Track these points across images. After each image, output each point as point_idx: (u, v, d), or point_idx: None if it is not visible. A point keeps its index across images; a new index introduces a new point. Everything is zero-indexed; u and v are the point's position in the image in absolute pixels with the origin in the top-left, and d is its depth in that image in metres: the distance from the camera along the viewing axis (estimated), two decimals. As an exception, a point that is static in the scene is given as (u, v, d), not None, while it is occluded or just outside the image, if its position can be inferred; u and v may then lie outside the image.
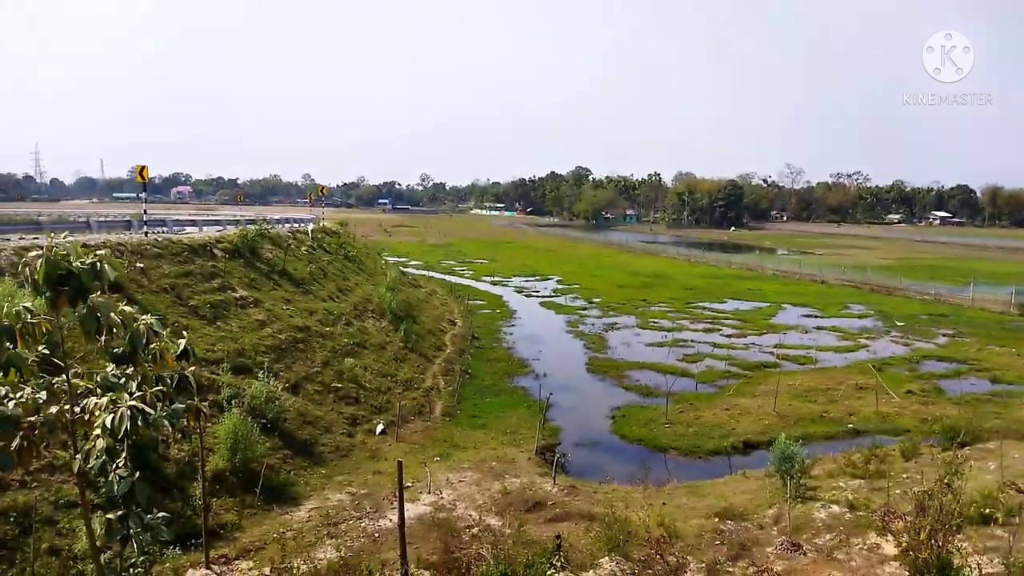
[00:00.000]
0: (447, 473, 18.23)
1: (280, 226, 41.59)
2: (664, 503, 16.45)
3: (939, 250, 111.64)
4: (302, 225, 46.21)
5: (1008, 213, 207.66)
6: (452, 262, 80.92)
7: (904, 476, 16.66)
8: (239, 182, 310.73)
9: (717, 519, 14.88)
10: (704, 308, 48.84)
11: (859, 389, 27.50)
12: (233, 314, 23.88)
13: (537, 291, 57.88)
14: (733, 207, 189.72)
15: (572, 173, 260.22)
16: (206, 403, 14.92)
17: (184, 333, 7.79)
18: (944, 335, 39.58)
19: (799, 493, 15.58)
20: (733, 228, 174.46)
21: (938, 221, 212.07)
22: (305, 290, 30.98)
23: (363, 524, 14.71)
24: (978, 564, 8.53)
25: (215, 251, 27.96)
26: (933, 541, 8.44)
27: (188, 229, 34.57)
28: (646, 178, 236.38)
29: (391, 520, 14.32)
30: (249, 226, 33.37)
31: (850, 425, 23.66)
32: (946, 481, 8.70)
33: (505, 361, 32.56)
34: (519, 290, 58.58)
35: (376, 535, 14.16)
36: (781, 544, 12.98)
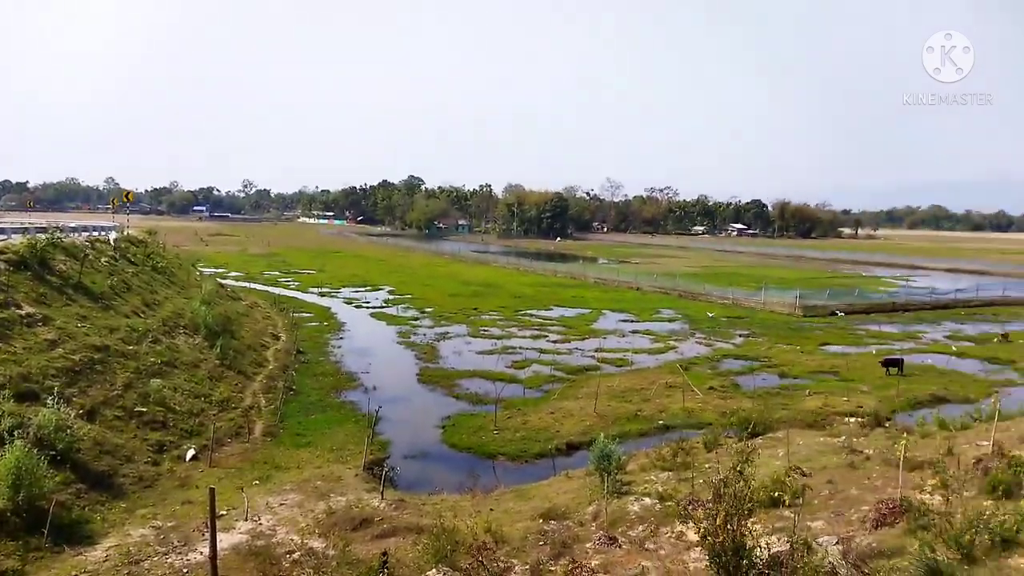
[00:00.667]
0: (267, 497, 17.31)
1: (77, 235, 37.76)
2: (492, 509, 16.72)
3: (737, 258, 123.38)
4: (103, 234, 42.09)
5: (794, 225, 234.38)
6: (276, 273, 77.33)
7: (707, 466, 18.11)
8: (29, 185, 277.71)
9: (541, 520, 15.36)
10: (532, 315, 50.34)
11: (669, 387, 29.66)
12: (17, 333, 21.15)
13: (368, 302, 56.79)
14: (559, 218, 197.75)
15: (404, 182, 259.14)
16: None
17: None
18: (740, 335, 43.73)
19: (616, 489, 16.51)
20: (559, 238, 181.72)
21: (736, 232, 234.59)
22: (105, 305, 28.13)
23: (170, 560, 13.56)
24: (767, 544, 9.36)
25: (-7, 263, 24.64)
26: (729, 526, 9.08)
27: (-39, 239, 30.27)
28: (478, 189, 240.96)
29: (202, 553, 13.31)
30: (39, 235, 29.95)
31: (660, 421, 25.46)
32: (738, 469, 9.51)
33: (333, 375, 31.59)
34: (349, 301, 57.18)
35: (185, 571, 13.10)
36: (599, 539, 13.63)
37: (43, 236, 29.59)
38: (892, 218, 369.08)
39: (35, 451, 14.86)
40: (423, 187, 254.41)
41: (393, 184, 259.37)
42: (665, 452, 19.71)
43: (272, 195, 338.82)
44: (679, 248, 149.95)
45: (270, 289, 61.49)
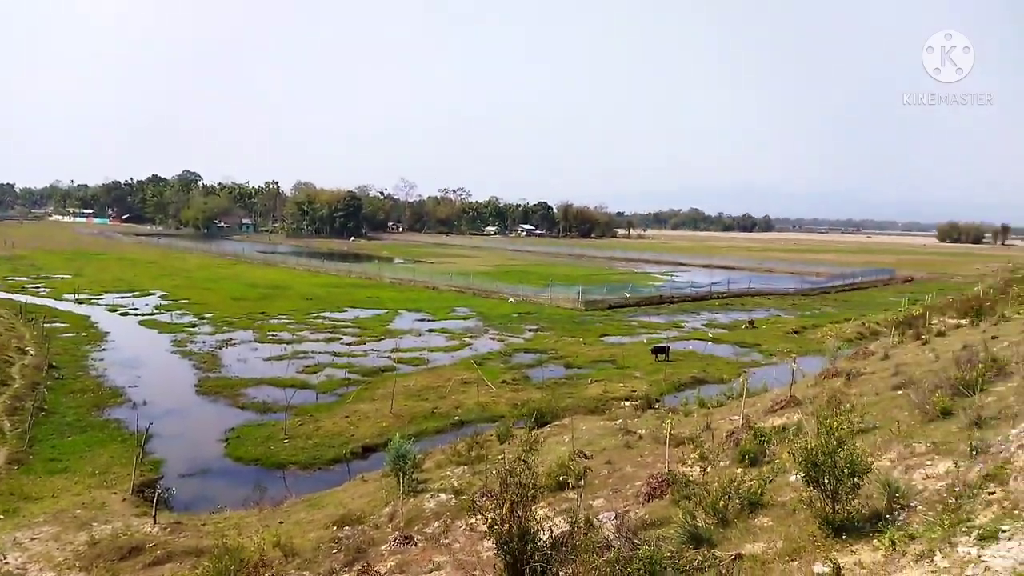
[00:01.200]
0: (15, 532, 15.13)
1: None
2: (282, 522, 16.00)
3: (526, 257, 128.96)
4: None
5: (576, 226, 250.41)
6: (23, 278, 67.84)
7: (500, 457, 18.75)
8: None
9: (335, 527, 14.96)
10: (325, 318, 48.92)
11: (464, 384, 30.36)
12: None
13: (136, 309, 51.51)
14: (352, 217, 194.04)
15: (178, 177, 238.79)
16: None
17: None
18: (530, 330, 45.83)
19: (412, 488, 16.53)
20: (353, 238, 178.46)
21: (525, 232, 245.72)
22: None
23: None
24: (550, 527, 9.85)
25: None
26: (515, 513, 9.41)
27: None
28: (263, 186, 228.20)
29: (-76, 608, 11.33)
30: None
31: (456, 417, 26.01)
32: (523, 458, 9.93)
33: (93, 392, 28.29)
34: (113, 308, 51.44)
35: (-99, 631, 11.06)
36: (395, 540, 13.56)
37: None
38: (658, 219, 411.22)
39: None
40: (200, 183, 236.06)
41: (165, 179, 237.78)
42: (460, 447, 20.11)
43: (17, 190, 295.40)
44: (473, 248, 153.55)
45: (15, 297, 53.61)
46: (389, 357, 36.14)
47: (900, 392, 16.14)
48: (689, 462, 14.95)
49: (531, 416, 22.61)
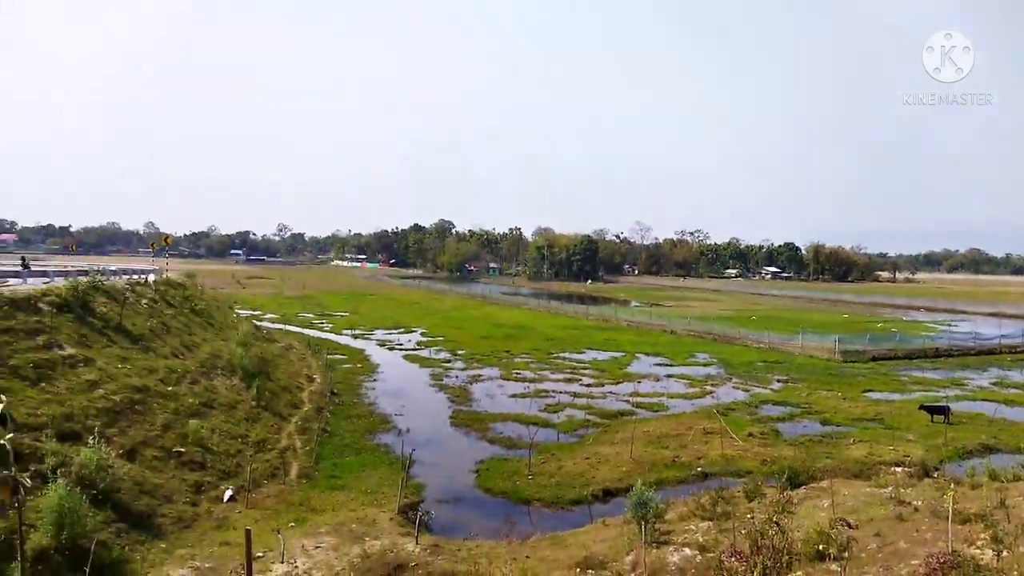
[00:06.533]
0: (303, 539, 17.36)
1: (117, 278, 38.93)
2: (528, 556, 16.53)
3: (771, 302, 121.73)
4: (143, 277, 43.31)
5: (829, 268, 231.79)
6: (311, 315, 78.41)
7: (749, 516, 17.72)
8: (72, 230, 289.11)
9: (579, 569, 15.14)
10: (565, 358, 50.20)
11: (706, 434, 29.18)
12: (60, 374, 21.72)
13: (401, 344, 57.17)
14: (589, 261, 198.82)
15: (436, 226, 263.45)
16: (27, 474, 13.46)
17: (1, 396, 7.07)
18: (778, 380, 42.95)
19: (654, 538, 16.22)
20: (590, 281, 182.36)
21: (769, 275, 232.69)
22: (145, 347, 28.77)
23: (208, 601, 13.64)
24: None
25: (40, 305, 25.43)
26: None
27: (11, 281, 31.46)
28: (507, 232, 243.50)
29: (240, 594, 13.39)
30: (80, 278, 30.86)
31: (699, 468, 25.00)
32: (775, 520, 9.31)
33: (366, 417, 31.74)
34: (382, 343, 57.63)
35: (223, 612, 13.16)
36: (639, 590, 13.41)
37: (85, 279, 30.59)
38: (930, 261, 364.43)
39: (77, 490, 15.15)
40: (454, 230, 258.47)
41: (424, 227, 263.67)
42: (704, 501, 19.34)
43: (306, 239, 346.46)
44: (712, 291, 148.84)
45: (304, 331, 62.29)
46: (627, 401, 36.03)
47: None
48: (979, 543, 12.95)
49: (783, 475, 21.03)
